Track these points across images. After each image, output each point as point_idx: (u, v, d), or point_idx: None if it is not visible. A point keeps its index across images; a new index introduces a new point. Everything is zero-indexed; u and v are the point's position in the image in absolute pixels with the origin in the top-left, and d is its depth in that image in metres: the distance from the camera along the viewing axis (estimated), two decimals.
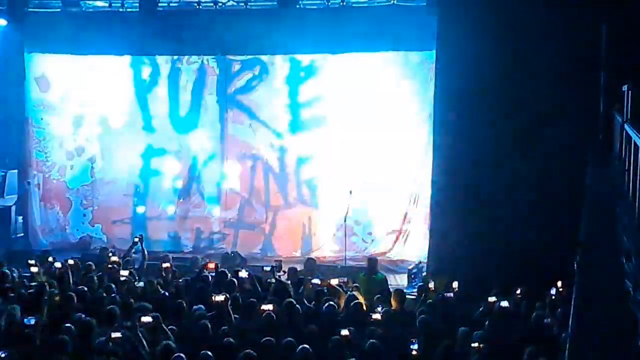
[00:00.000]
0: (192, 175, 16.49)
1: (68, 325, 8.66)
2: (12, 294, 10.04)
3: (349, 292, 10.48)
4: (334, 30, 15.03)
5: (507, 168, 12.66)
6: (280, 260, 12.34)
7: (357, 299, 10.13)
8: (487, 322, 8.96)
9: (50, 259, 12.29)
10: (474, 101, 12.93)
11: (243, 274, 11.03)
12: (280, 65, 16.01)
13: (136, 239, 13.31)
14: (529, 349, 7.80)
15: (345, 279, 11.50)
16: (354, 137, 15.51)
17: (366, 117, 15.46)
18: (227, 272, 11.31)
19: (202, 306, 9.68)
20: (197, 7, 15.51)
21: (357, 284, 11.21)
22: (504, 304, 9.55)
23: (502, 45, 12.73)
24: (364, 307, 9.80)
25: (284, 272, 11.89)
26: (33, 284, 10.81)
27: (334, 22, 14.97)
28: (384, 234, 15.53)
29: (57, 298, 9.85)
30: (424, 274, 13.50)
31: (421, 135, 14.95)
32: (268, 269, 11.55)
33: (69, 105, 16.70)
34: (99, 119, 16.63)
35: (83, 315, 9.04)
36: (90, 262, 12.16)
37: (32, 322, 8.48)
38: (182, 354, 7.81)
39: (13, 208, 16.31)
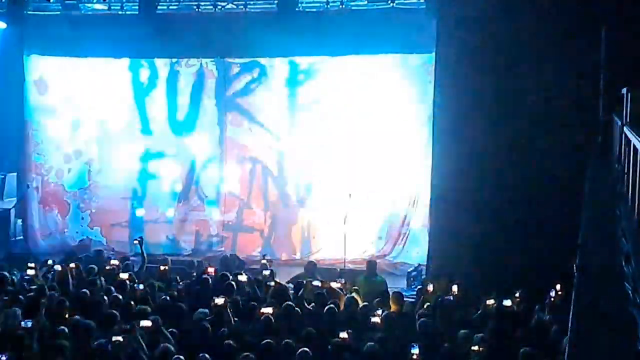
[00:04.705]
0: (190, 178, 16.49)
1: (67, 328, 8.65)
2: (7, 297, 10.00)
3: (348, 295, 10.47)
4: (333, 33, 15.04)
5: (506, 170, 12.65)
6: (271, 260, 12.39)
7: (357, 301, 10.13)
8: (487, 325, 8.95)
9: (50, 261, 12.26)
10: (473, 103, 12.93)
11: (242, 277, 11.02)
12: (279, 68, 16.01)
13: (135, 242, 13.29)
14: (528, 351, 7.80)
15: (345, 281, 11.48)
16: (353, 139, 15.51)
17: (365, 120, 15.46)
18: (227, 274, 11.29)
19: (202, 309, 9.67)
20: (197, 10, 15.51)
21: (356, 287, 11.21)
22: (507, 302, 9.55)
23: (501, 48, 12.73)
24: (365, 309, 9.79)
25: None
26: (33, 287, 10.79)
27: (333, 24, 14.98)
28: (383, 237, 15.52)
29: (56, 301, 9.83)
30: (424, 276, 13.50)
31: (420, 137, 14.94)
32: (267, 272, 11.56)
33: (67, 108, 16.70)
34: (97, 121, 16.64)
35: (79, 318, 9.04)
36: (92, 266, 12.14)
37: (29, 325, 8.47)
38: (181, 357, 7.81)
39: (12, 211, 16.31)
